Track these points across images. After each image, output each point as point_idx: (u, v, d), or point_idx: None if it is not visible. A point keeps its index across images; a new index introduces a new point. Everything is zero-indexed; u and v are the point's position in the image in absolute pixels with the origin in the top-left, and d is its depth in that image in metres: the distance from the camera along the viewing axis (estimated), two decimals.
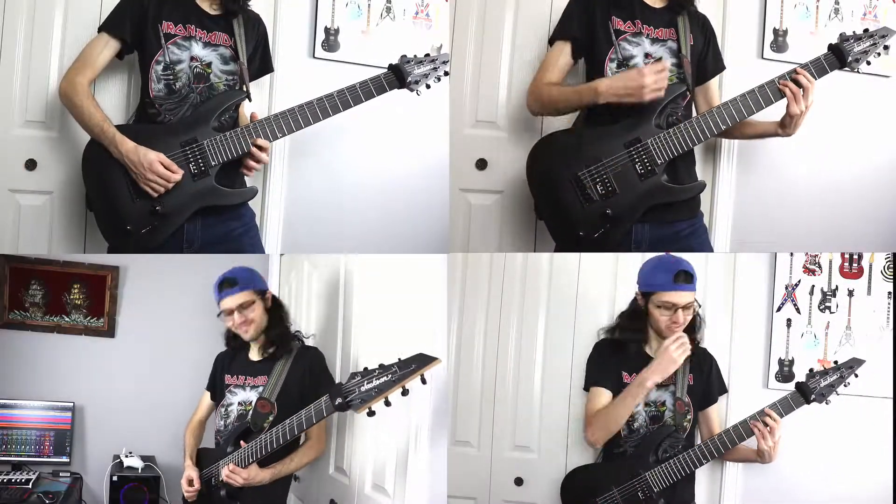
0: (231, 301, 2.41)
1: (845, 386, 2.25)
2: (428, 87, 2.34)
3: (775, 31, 2.71)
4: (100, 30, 2.27)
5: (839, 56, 2.26)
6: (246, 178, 2.41)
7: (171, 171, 2.17)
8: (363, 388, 2.04)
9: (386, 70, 2.31)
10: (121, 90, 2.49)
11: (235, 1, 2.30)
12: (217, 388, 2.59)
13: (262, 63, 2.44)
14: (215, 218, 2.29)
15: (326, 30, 2.73)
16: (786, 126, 2.31)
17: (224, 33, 2.31)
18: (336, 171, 2.79)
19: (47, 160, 2.47)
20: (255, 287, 2.44)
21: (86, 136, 2.24)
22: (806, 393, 2.24)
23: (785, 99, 2.24)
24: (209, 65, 2.28)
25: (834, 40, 2.29)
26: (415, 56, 2.32)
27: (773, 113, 2.30)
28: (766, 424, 2.21)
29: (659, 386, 2.31)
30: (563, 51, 2.37)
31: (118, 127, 2.19)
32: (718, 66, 2.44)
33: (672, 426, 2.29)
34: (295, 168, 2.74)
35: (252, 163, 2.29)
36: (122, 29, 2.24)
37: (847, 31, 2.30)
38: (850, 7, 2.75)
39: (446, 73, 2.36)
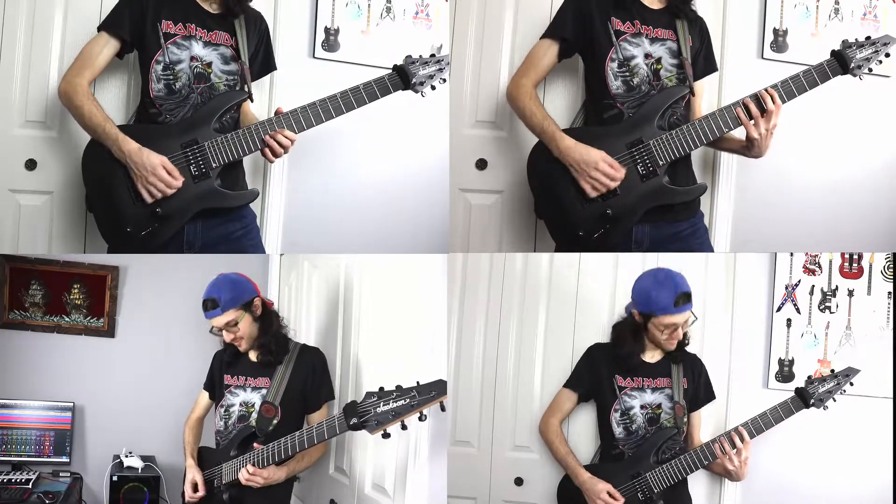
0: (216, 322, 2.40)
1: (842, 393, 2.30)
2: (433, 87, 2.31)
3: (775, 32, 2.71)
4: (99, 29, 2.24)
5: (842, 62, 2.25)
6: (247, 179, 2.41)
7: (173, 177, 2.14)
8: (379, 410, 2.02)
9: (390, 71, 2.29)
10: (121, 90, 2.49)
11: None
12: (216, 388, 2.59)
13: (263, 62, 2.41)
14: (216, 220, 2.27)
15: (326, 30, 2.73)
16: (750, 148, 2.29)
17: (225, 32, 2.27)
18: (336, 172, 2.79)
19: (47, 160, 2.47)
20: (237, 304, 2.39)
21: (86, 136, 2.23)
22: (805, 398, 2.28)
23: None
24: (209, 64, 2.25)
25: (834, 41, 2.29)
26: (420, 56, 2.29)
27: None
28: (733, 445, 2.24)
29: (654, 389, 2.34)
30: (550, 50, 2.35)
31: (119, 127, 2.17)
32: (709, 68, 2.40)
33: (674, 428, 2.31)
34: (295, 168, 2.73)
35: (270, 154, 2.23)
36: (122, 28, 2.21)
37: (848, 35, 2.30)
38: (850, 7, 2.75)
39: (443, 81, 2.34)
